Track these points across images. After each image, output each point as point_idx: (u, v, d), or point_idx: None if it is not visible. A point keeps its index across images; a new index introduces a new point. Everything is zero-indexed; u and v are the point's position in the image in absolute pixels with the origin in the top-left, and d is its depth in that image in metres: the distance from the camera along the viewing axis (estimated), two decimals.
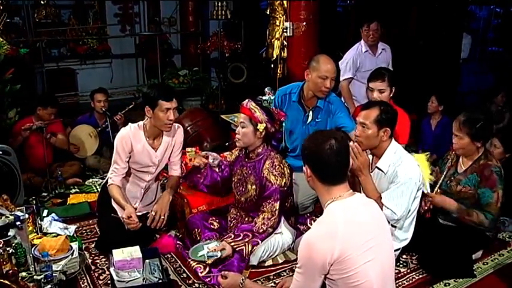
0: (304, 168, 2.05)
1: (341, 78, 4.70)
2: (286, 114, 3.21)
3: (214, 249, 2.88)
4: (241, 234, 2.93)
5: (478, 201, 3.01)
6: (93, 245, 3.29)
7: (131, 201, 3.26)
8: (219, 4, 7.05)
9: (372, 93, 3.54)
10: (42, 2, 7.81)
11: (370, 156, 3.01)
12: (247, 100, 3.09)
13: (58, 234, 3.12)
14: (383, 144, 2.88)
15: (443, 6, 6.48)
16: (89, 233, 3.51)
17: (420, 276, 2.99)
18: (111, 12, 8.51)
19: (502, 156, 3.95)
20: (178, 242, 3.27)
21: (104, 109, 4.89)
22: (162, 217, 3.15)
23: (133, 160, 3.22)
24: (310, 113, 3.58)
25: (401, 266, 3.08)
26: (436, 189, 3.09)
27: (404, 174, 2.78)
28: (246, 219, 3.21)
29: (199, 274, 2.89)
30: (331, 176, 1.98)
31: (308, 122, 3.60)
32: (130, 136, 3.16)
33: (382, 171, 2.89)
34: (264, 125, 3.01)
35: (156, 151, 3.24)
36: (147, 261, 2.82)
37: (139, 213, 3.24)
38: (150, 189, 3.41)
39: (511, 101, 5.81)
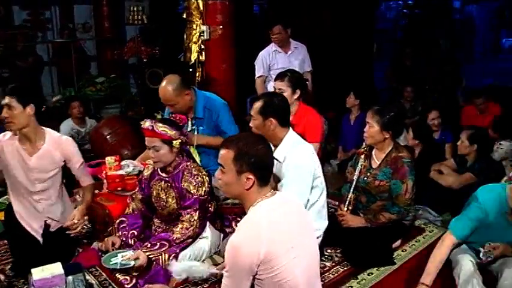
0: (237, 176, 1.93)
1: (255, 76, 4.84)
2: (185, 117, 3.11)
3: (128, 258, 2.79)
4: (158, 244, 2.86)
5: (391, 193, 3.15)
6: (8, 267, 3.09)
7: (33, 219, 3.08)
8: (135, 9, 6.91)
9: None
10: None
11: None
12: (149, 122, 2.91)
13: None
14: (279, 134, 2.89)
15: (353, 8, 6.78)
16: (4, 254, 3.29)
17: (345, 268, 3.08)
18: (19, 17, 8.06)
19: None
20: (101, 254, 3.11)
21: None
22: (81, 221, 3.02)
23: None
24: (189, 123, 3.61)
25: (326, 260, 3.14)
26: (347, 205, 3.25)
27: (295, 161, 2.81)
28: (171, 228, 3.12)
29: (126, 286, 2.79)
30: (269, 175, 1.98)
31: (189, 130, 3.59)
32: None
33: (279, 161, 2.86)
34: (179, 140, 2.93)
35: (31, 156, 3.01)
36: (70, 277, 2.64)
37: (53, 229, 3.10)
38: (49, 202, 3.12)
39: (419, 96, 6.22)
